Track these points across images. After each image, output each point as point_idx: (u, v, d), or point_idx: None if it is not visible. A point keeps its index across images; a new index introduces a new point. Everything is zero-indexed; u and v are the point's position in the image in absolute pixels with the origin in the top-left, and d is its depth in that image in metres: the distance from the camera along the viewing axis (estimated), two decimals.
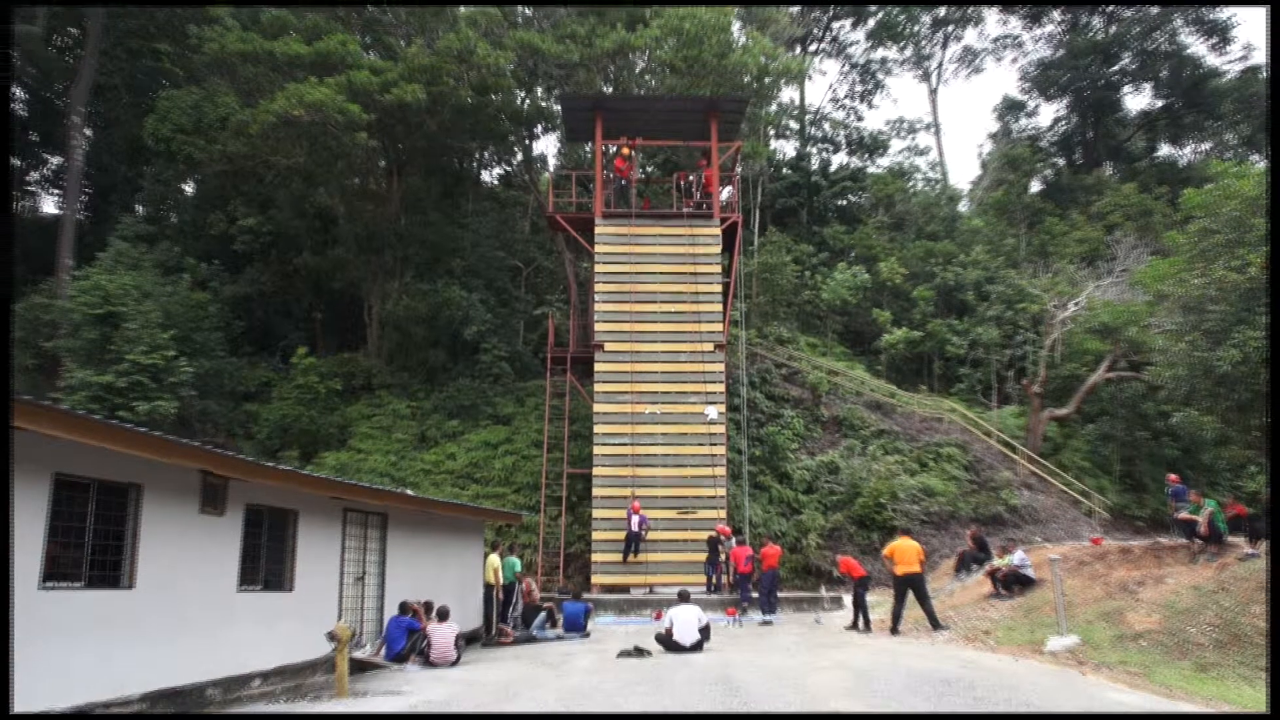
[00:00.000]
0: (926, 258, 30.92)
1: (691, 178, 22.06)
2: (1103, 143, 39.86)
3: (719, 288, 20.25)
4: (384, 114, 22.71)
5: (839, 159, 38.39)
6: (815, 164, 36.76)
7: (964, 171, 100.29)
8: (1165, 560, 12.86)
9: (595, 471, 18.86)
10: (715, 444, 19.01)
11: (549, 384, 21.90)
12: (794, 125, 38.10)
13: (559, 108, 25.14)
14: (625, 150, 21.86)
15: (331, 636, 9.17)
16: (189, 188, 30.22)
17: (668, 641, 11.43)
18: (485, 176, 34.06)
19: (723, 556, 17.39)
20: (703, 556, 17.62)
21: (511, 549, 16.05)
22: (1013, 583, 13.52)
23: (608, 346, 19.65)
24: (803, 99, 38.63)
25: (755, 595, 16.14)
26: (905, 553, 12.84)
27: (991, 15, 39.56)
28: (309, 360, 24.21)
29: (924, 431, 24.07)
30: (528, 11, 25.89)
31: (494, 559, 14.74)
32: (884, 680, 8.16)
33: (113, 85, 28.73)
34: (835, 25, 39.81)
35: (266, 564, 9.35)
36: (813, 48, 39.21)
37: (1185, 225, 16.05)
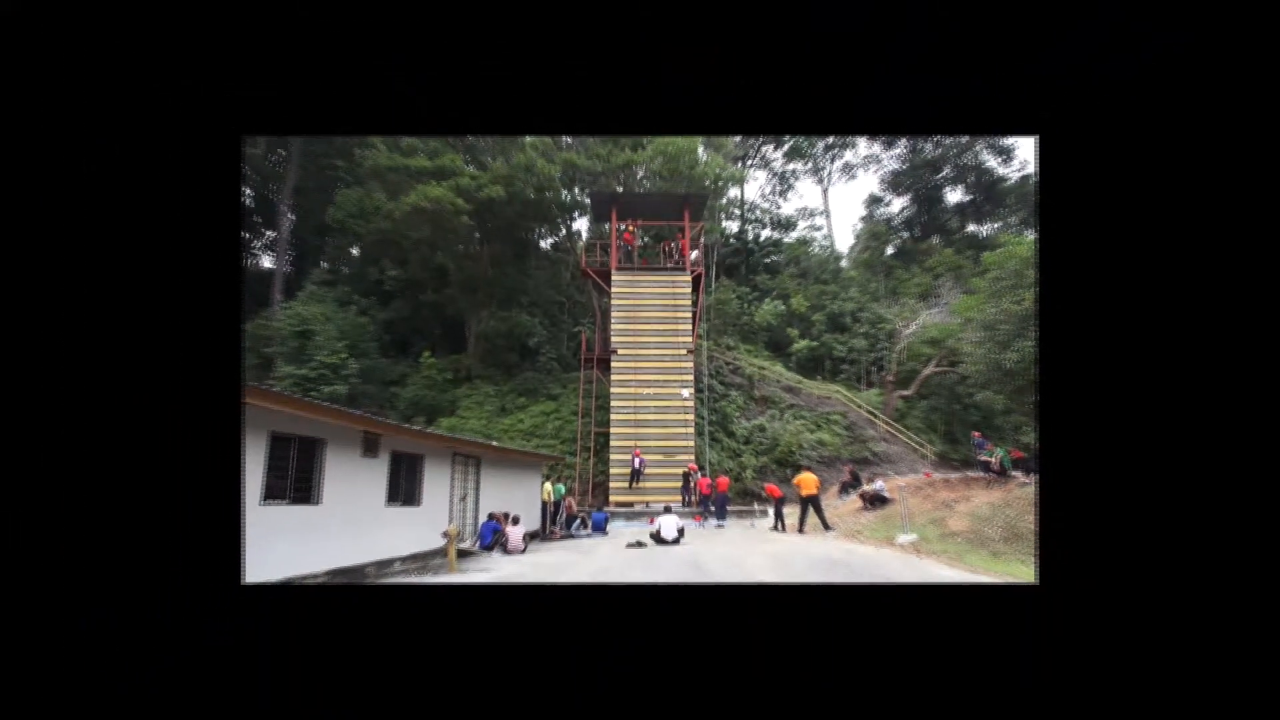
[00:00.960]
0: (820, 296, 30.77)
1: (672, 245, 22.02)
2: (932, 222, 39.62)
3: (690, 315, 20.17)
4: (478, 205, 22.57)
5: (765, 232, 37.91)
6: (750, 236, 36.49)
7: (845, 240, 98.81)
8: (972, 487, 12.83)
9: (612, 430, 18.74)
10: (687, 413, 18.95)
11: (582, 376, 21.77)
12: (737, 211, 37.76)
13: (589, 201, 25.16)
14: (631, 227, 21.78)
15: (445, 535, 9.20)
16: (355, 251, 30.13)
17: (657, 538, 11.45)
18: (543, 244, 33.84)
19: (692, 484, 17.34)
20: (679, 484, 17.57)
21: (559, 478, 16.03)
22: (875, 501, 13.53)
23: (620, 352, 19.60)
24: (743, 194, 38.18)
25: (713, 509, 16.12)
26: (807, 481, 12.86)
27: (862, 141, 39.25)
28: (431, 361, 24.15)
29: (819, 405, 23.92)
30: (568, 140, 25.86)
31: (548, 485, 14.78)
32: (794, 561, 8.19)
33: (307, 186, 28.59)
34: (763, 148, 39.56)
35: (404, 489, 9.36)
36: (749, 162, 38.96)
37: (984, 274, 15.97)
